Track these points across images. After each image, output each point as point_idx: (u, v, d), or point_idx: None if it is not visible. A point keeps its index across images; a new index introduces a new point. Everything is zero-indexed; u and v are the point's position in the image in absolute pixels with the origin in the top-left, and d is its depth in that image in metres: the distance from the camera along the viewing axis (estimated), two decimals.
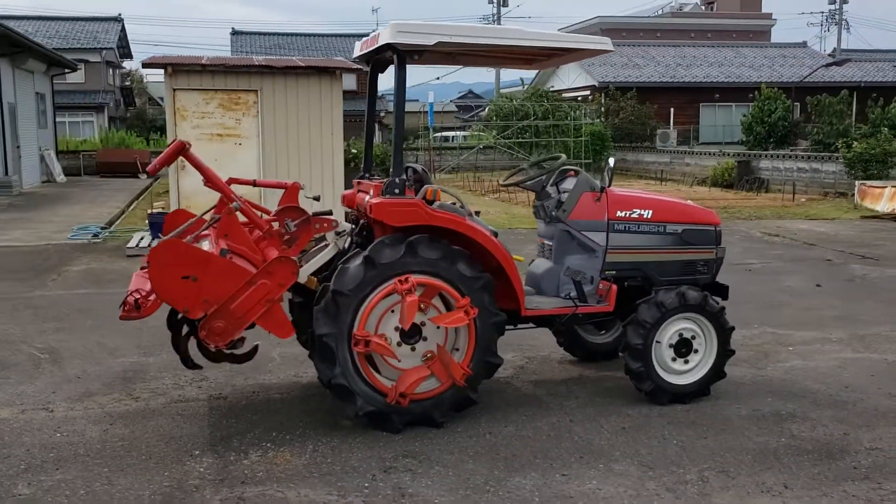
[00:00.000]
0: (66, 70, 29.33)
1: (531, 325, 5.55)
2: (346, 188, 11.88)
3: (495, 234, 5.46)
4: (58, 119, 38.00)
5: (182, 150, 4.40)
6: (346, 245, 5.29)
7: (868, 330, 7.41)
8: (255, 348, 5.41)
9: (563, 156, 5.78)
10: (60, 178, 26.70)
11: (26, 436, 4.90)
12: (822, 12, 55.85)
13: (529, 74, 46.26)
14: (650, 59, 39.69)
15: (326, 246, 5.32)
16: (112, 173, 27.72)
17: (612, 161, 5.64)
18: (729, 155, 25.07)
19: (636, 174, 29.25)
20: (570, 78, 39.70)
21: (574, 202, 5.53)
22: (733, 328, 5.50)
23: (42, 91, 27.30)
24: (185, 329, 5.19)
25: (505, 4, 48.41)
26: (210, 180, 4.90)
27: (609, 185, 5.50)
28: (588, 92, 37.13)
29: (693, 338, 5.41)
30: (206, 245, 4.94)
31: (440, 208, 5.05)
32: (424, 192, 4.97)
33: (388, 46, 4.88)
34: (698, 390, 5.46)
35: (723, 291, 5.89)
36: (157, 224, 10.84)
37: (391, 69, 5.51)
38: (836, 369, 6.23)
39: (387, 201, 4.91)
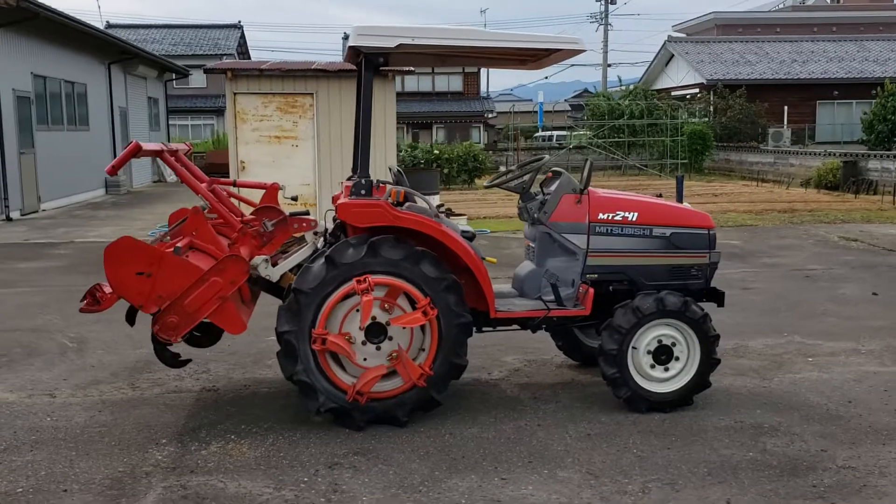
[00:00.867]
0: (178, 76, 30.84)
1: (513, 327, 5.51)
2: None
3: (471, 237, 5.47)
4: (179, 122, 40.10)
5: (136, 152, 4.62)
6: (321, 245, 5.40)
7: None
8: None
9: (547, 156, 5.71)
10: (171, 178, 28.13)
11: (20, 419, 5.25)
12: None
13: (630, 75, 45.31)
14: (763, 55, 38.14)
15: (304, 245, 5.45)
16: (219, 173, 28.97)
17: (589, 161, 5.52)
18: (835, 155, 23.79)
19: (739, 175, 28.17)
20: (678, 76, 38.69)
21: (555, 204, 5.45)
22: (717, 336, 5.28)
23: (155, 95, 28.87)
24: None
25: (613, 2, 47.60)
26: (185, 181, 5.12)
27: (586, 188, 5.38)
28: (696, 90, 36.05)
29: (673, 345, 5.24)
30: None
31: (410, 210, 5.10)
32: (389, 193, 5.02)
33: (353, 49, 4.96)
34: (679, 399, 5.27)
35: (719, 297, 5.67)
36: None
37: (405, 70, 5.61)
38: (849, 383, 5.87)
39: (351, 202, 4.99)
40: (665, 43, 40.40)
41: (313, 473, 4.40)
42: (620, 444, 4.77)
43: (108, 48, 22.20)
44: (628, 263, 5.44)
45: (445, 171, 21.54)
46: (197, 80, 38.06)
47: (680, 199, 15.25)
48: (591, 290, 5.32)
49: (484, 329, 5.50)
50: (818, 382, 5.89)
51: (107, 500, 4.11)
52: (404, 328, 4.99)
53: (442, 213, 5.77)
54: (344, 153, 11.37)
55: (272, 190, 5.47)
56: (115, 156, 23.23)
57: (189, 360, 5.58)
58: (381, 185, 5.19)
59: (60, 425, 5.14)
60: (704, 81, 35.19)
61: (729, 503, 4.04)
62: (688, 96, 35.59)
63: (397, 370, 4.97)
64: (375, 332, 4.99)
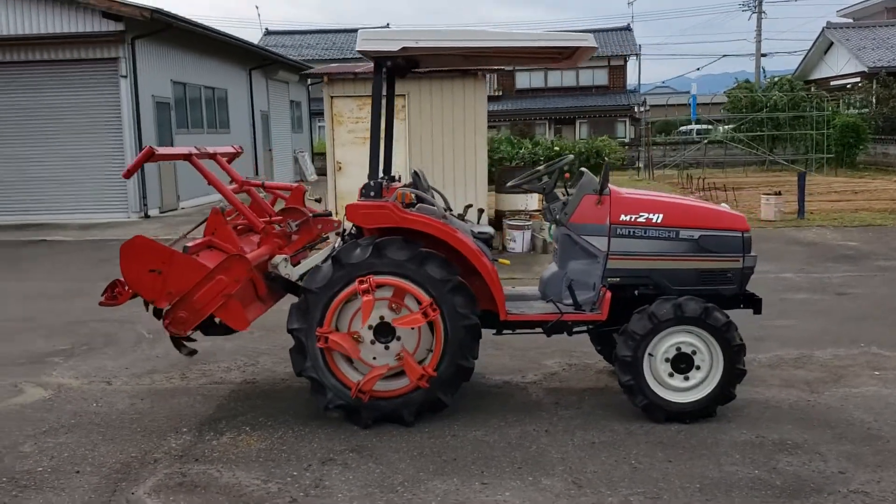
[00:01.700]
0: (314, 80, 32.04)
1: (536, 330, 5.42)
2: (488, 187, 12.07)
3: (488, 238, 5.44)
4: (321, 125, 41.58)
5: (150, 156, 4.89)
6: (338, 245, 5.53)
7: None
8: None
9: (571, 156, 5.57)
10: (312, 177, 29.34)
11: (71, 404, 5.71)
12: None
13: (786, 66, 42.75)
14: None
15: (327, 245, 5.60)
16: None
17: (605, 165, 5.33)
18: None
19: None
20: (838, 64, 36.21)
21: (575, 205, 5.32)
22: (742, 345, 4.98)
23: (297, 99, 30.19)
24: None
25: None
26: (212, 183, 5.38)
27: (603, 188, 5.20)
28: (857, 79, 33.63)
29: (694, 353, 4.99)
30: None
31: (419, 211, 5.13)
32: (396, 194, 5.08)
33: (361, 54, 5.04)
34: (700, 410, 5.02)
35: (755, 304, 5.35)
36: None
37: (410, 73, 5.67)
38: None
39: (359, 204, 5.09)
40: (823, 30, 37.94)
41: (305, 468, 4.53)
42: (621, 455, 4.60)
43: (249, 55, 23.43)
44: (653, 267, 5.22)
45: (566, 168, 21.23)
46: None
47: (801, 197, 14.41)
48: (609, 294, 5.16)
49: (504, 332, 5.46)
50: (872, 398, 5.43)
51: (110, 483, 4.41)
52: (412, 329, 5.03)
53: (460, 214, 5.76)
54: (434, 153, 11.51)
55: (297, 192, 5.65)
56: (256, 158, 24.55)
57: (195, 352, 5.68)
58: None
59: (102, 411, 5.54)
60: (866, 69, 32.75)
61: None
62: (848, 86, 33.28)
63: (405, 370, 5.02)
64: (384, 332, 5.06)
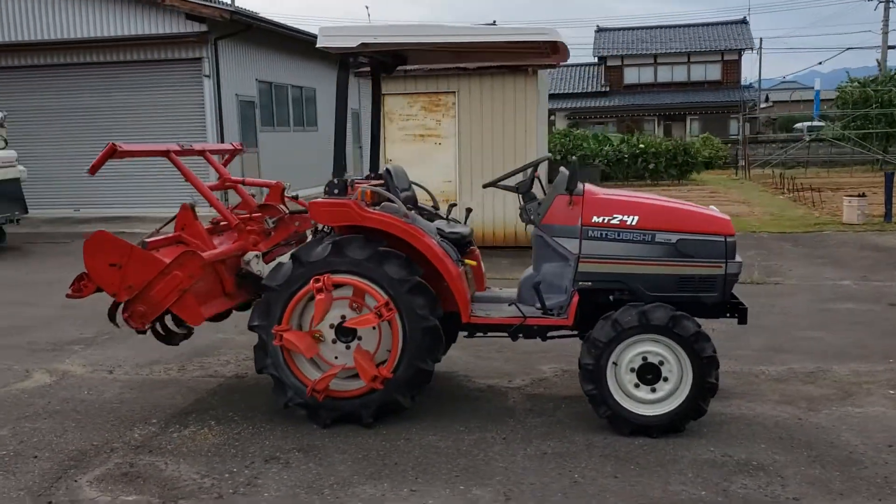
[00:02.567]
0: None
1: (503, 334, 5.25)
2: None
3: (461, 238, 5.32)
4: None
5: (113, 152, 4.99)
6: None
7: None
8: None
9: (550, 155, 5.35)
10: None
11: (65, 391, 5.93)
12: None
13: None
14: None
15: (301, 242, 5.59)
16: None
17: (573, 164, 5.09)
18: None
19: None
20: None
21: (547, 205, 5.11)
22: (713, 357, 4.66)
23: None
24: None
25: None
26: (189, 180, 5.47)
27: (570, 189, 4.96)
28: None
29: (661, 363, 4.71)
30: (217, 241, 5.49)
31: (383, 210, 5.05)
32: (358, 192, 5.02)
33: (323, 50, 5.01)
34: (668, 424, 4.73)
35: (741, 313, 5.01)
36: None
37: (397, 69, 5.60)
38: None
39: (321, 202, 5.05)
40: None
41: (246, 465, 4.54)
42: (567, 468, 4.39)
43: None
44: (627, 271, 4.95)
45: (651, 165, 20.63)
46: None
47: (888, 199, 13.47)
48: (576, 299, 4.94)
49: (476, 335, 5.33)
50: (870, 420, 4.98)
51: (60, 469, 4.53)
52: (373, 328, 4.96)
53: (436, 210, 5.64)
54: (484, 150, 11.37)
55: (276, 189, 5.67)
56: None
57: (186, 335, 5.82)
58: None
59: (89, 398, 5.73)
60: None
61: None
62: None
63: (358, 371, 4.96)
64: (345, 332, 5.01)
